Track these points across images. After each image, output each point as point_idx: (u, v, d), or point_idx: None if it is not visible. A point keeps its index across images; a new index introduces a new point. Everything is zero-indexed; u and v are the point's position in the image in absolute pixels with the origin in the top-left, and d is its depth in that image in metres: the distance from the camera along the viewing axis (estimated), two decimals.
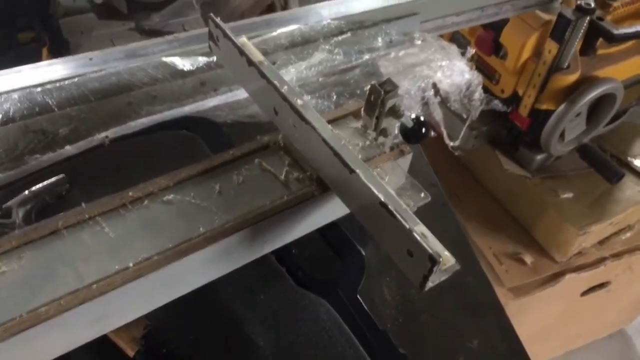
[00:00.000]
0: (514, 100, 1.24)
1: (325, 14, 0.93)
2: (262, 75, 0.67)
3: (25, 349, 0.51)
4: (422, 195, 0.65)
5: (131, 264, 0.55)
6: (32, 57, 2.29)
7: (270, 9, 2.23)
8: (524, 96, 1.21)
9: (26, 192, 0.67)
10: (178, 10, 2.55)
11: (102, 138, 0.76)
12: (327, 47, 0.90)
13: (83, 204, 0.60)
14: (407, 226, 0.53)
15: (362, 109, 0.71)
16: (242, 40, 0.72)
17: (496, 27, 1.19)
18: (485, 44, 1.22)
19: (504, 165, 1.32)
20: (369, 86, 0.69)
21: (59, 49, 2.31)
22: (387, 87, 0.67)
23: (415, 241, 0.53)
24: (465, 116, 1.07)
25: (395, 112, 0.69)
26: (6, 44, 2.31)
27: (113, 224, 0.59)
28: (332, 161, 0.60)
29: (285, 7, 2.28)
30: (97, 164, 0.75)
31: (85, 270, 0.55)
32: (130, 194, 0.62)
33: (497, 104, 1.03)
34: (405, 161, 0.71)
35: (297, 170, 0.67)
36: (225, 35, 0.72)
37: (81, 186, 0.72)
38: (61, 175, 0.70)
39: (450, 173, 1.47)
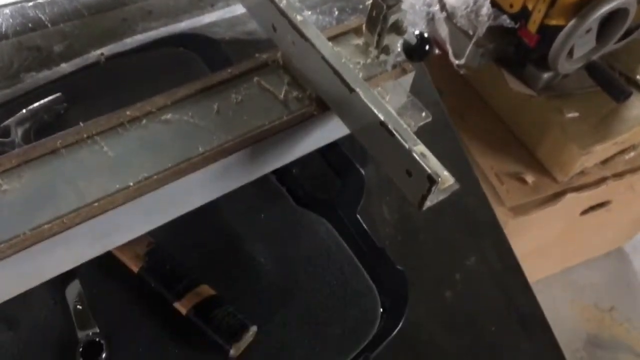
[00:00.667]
0: (523, 15, 1.19)
1: None
2: None
3: (30, 265, 0.52)
4: (424, 114, 0.64)
5: (131, 183, 0.56)
6: None
7: None
8: (534, 11, 1.16)
9: (24, 110, 0.67)
10: None
11: (98, 55, 0.75)
12: None
13: (81, 123, 0.60)
14: (407, 146, 0.53)
15: (364, 25, 0.68)
16: None
17: None
18: None
19: (509, 84, 1.29)
20: (371, 1, 0.67)
21: None
22: (390, 2, 0.64)
23: (414, 161, 0.52)
24: (471, 33, 1.03)
25: (397, 28, 0.67)
26: None
27: (112, 143, 0.59)
28: (332, 80, 0.59)
29: None
30: (94, 81, 0.74)
31: (86, 188, 0.55)
32: (128, 113, 0.61)
33: (504, 19, 1.00)
34: (407, 80, 0.70)
35: (296, 89, 0.66)
36: None
37: (79, 104, 0.71)
38: (58, 94, 0.69)
39: (454, 92, 1.45)
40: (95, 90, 0.74)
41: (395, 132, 0.54)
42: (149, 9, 0.79)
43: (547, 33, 1.17)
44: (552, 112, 1.30)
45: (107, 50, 0.75)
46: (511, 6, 1.21)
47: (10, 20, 0.72)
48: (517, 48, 1.27)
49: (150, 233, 0.61)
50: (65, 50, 0.75)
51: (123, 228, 0.58)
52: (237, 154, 0.60)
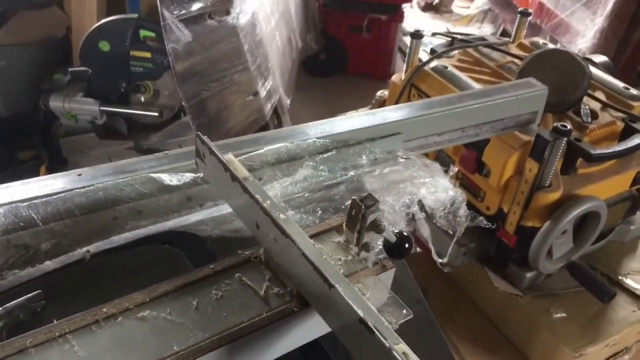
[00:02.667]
0: (500, 217, 1.25)
1: (312, 132, 0.97)
2: (245, 189, 0.68)
3: None
4: (404, 312, 0.63)
5: None
6: (30, 174, 2.33)
7: (264, 130, 2.32)
8: (509, 213, 1.22)
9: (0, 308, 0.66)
10: (175, 131, 2.64)
11: (83, 253, 0.76)
12: (312, 163, 0.93)
13: (55, 321, 0.58)
14: (387, 344, 0.52)
15: (344, 224, 0.71)
16: (228, 156, 0.75)
17: (478, 147, 1.23)
18: (468, 162, 1.26)
19: (494, 283, 1.31)
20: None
21: (57, 167, 2.37)
22: (368, 202, 0.68)
23: None
24: (452, 232, 1.07)
25: (376, 227, 0.69)
26: (6, 162, 2.36)
27: (83, 342, 0.57)
28: (312, 276, 0.59)
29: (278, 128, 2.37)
30: (76, 279, 0.74)
31: None
32: (105, 309, 0.60)
33: (481, 221, 1.04)
34: (388, 277, 0.71)
35: (277, 285, 0.66)
36: (211, 152, 0.74)
37: (58, 302, 0.70)
38: (38, 291, 0.69)
39: (441, 290, 1.45)
40: (77, 288, 0.73)
41: (375, 329, 0.53)
42: (139, 209, 0.82)
43: (525, 234, 1.22)
44: (539, 312, 1.30)
45: (94, 247, 0.76)
46: (488, 209, 1.28)
47: (3, 219, 0.74)
48: (497, 248, 1.31)
49: None
50: (52, 248, 0.76)
51: None
52: (213, 352, 0.58)
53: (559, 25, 3.12)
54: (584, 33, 2.93)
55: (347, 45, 3.55)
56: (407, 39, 3.93)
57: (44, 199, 0.79)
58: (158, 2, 1.83)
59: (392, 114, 1.04)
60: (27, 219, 0.77)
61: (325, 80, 3.56)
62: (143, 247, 0.79)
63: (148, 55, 2.32)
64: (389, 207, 0.93)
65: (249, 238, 0.84)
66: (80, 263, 0.75)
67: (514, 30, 1.61)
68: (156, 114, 2.37)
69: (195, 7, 1.89)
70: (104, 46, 2.31)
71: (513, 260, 1.30)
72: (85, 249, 0.76)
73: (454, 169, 1.02)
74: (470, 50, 1.51)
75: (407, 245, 0.78)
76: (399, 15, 3.47)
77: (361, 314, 0.54)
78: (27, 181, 0.84)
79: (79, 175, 0.84)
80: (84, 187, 0.81)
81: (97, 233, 0.80)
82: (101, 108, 2.36)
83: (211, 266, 0.67)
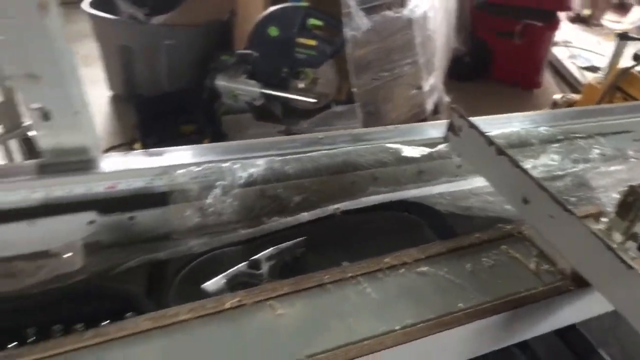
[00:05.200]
0: None
1: (538, 120, 0.95)
2: (515, 164, 0.68)
3: None
4: None
5: (397, 328, 0.55)
6: None
7: (423, 122, 2.32)
8: None
9: (272, 248, 0.70)
10: (323, 119, 2.70)
11: (335, 209, 0.79)
12: (543, 151, 0.91)
13: (343, 263, 0.61)
14: None
15: (615, 211, 0.69)
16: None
17: None
18: None
19: None
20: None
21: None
22: None
23: None
24: None
25: None
26: (169, 133, 2.53)
27: (374, 285, 0.59)
28: (602, 256, 0.58)
29: None
30: (327, 231, 0.78)
31: (356, 326, 0.54)
32: (386, 260, 0.62)
33: None
34: None
35: (546, 262, 0.65)
36: (472, 126, 0.74)
37: (313, 251, 0.74)
38: (302, 238, 0.73)
39: None
40: (328, 239, 0.77)
41: None
42: (376, 176, 0.85)
43: None
44: None
45: (343, 206, 0.80)
46: None
47: (262, 171, 0.79)
48: None
49: None
50: (301, 202, 0.80)
51: None
52: (495, 316, 0.58)
53: None
54: None
55: (494, 49, 3.46)
56: (555, 49, 3.73)
57: (295, 156, 0.83)
58: None
59: (621, 110, 1.00)
60: (280, 173, 0.82)
61: (467, 85, 3.48)
62: (384, 211, 0.82)
63: (313, 43, 2.39)
64: None
65: (475, 217, 0.84)
66: (330, 218, 0.79)
67: None
68: (314, 100, 2.44)
69: None
70: (273, 31, 2.41)
71: None
72: (335, 206, 0.80)
73: None
74: None
75: None
76: (555, 24, 3.34)
77: None
78: (276, 139, 0.88)
79: (320, 138, 0.88)
80: (329, 149, 0.85)
81: (339, 193, 0.83)
82: (262, 90, 2.46)
83: (476, 235, 0.68)
